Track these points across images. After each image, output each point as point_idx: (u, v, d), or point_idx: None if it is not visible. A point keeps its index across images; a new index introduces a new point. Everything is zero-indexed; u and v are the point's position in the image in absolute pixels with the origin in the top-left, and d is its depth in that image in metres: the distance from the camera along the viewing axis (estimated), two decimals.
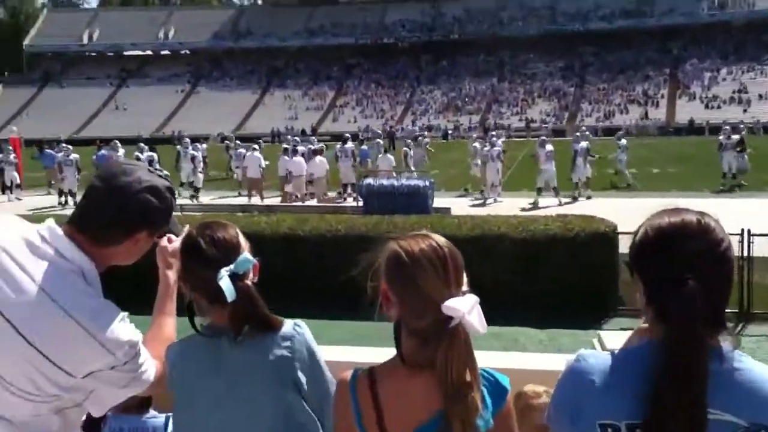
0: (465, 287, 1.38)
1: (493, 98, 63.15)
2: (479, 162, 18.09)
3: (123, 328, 1.47)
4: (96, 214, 1.53)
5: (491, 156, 17.07)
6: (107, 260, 1.56)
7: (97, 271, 1.52)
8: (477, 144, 19.94)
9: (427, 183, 12.66)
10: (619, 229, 7.87)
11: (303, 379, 1.59)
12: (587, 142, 17.90)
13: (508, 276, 7.33)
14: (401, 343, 1.38)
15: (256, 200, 17.26)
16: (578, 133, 19.48)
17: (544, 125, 51.75)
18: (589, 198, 16.79)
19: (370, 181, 12.47)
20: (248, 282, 1.56)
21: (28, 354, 1.39)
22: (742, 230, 7.54)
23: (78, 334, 1.40)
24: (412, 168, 18.66)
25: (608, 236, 7.89)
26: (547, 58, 67.80)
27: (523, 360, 3.16)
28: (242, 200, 17.77)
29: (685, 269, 1.16)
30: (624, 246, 8.28)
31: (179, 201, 16.49)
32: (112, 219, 1.52)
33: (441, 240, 1.40)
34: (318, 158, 17.20)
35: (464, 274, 1.39)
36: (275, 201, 17.14)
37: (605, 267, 7.70)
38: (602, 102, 59.08)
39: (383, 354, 1.47)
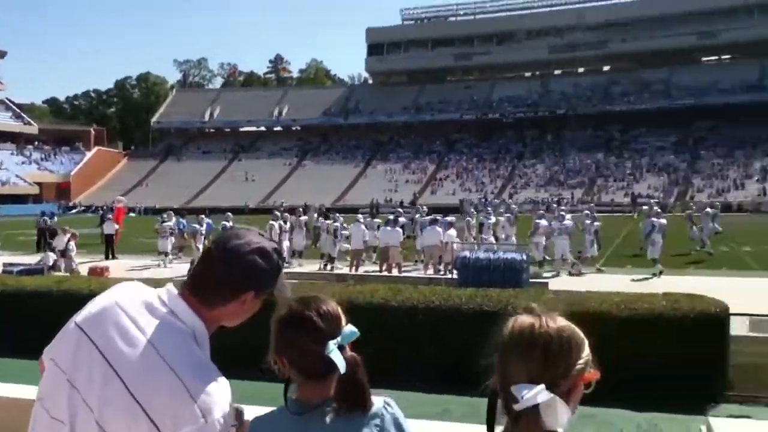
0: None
1: (597, 172, 61.80)
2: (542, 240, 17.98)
3: (221, 393, 1.46)
4: (207, 276, 1.57)
5: (588, 230, 17.00)
6: (216, 321, 1.58)
7: (207, 334, 1.56)
8: (543, 221, 18.98)
9: (524, 256, 12.42)
10: (732, 310, 7.35)
11: None
12: (661, 219, 17.33)
13: (607, 354, 6.96)
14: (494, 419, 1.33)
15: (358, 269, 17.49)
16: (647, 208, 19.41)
17: (651, 200, 49.76)
18: (661, 272, 15.89)
19: (465, 253, 12.38)
20: (353, 354, 1.55)
21: (129, 406, 1.41)
22: None
23: (177, 390, 1.41)
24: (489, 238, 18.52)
25: (719, 317, 7.38)
26: (658, 132, 65.96)
27: None
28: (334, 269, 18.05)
29: None
30: (735, 328, 7.73)
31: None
32: (220, 279, 1.55)
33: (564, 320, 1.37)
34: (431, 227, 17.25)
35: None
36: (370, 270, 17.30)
37: (714, 349, 7.16)
38: (716, 177, 56.38)
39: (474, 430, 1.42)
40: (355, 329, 1.57)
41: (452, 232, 16.92)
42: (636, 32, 71.65)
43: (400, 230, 17.68)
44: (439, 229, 16.61)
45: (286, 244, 18.96)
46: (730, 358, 7.01)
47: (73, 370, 1.47)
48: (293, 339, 1.56)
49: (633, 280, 14.89)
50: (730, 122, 63.12)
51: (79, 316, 1.53)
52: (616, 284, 11.78)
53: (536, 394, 1.24)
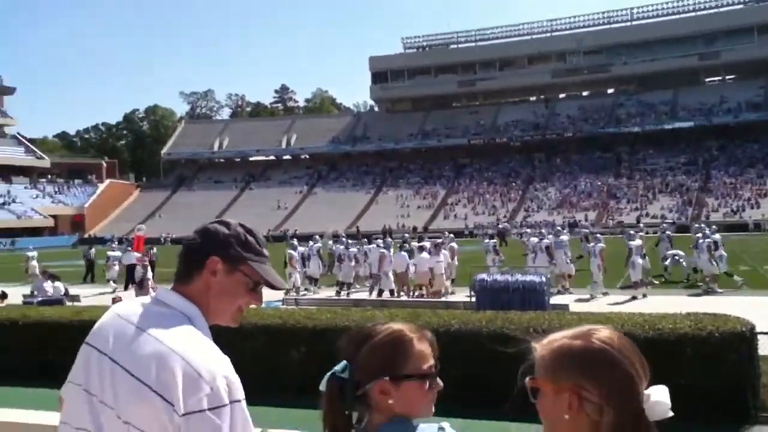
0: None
1: (609, 194, 61.67)
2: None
3: (219, 362, 1.48)
4: (180, 259, 1.68)
5: (593, 252, 16.95)
6: (204, 301, 1.61)
7: (201, 316, 1.60)
8: (534, 238, 20.50)
9: (544, 279, 12.31)
10: (758, 329, 7.22)
11: None
12: (640, 241, 17.52)
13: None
14: None
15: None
16: (632, 231, 19.86)
17: (665, 221, 49.55)
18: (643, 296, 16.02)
19: (483, 276, 12.30)
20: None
21: (136, 388, 1.44)
22: None
23: (170, 360, 1.44)
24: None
25: (745, 336, 7.24)
26: (667, 153, 65.90)
27: None
28: (361, 295, 17.95)
29: None
30: (764, 347, 7.60)
31: (295, 296, 17.00)
32: (186, 251, 1.66)
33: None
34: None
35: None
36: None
37: (743, 369, 7.02)
38: (730, 197, 56.09)
39: None
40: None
41: (440, 257, 16.88)
42: (637, 55, 72.02)
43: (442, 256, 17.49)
44: (426, 255, 16.59)
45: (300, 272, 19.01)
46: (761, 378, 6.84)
47: (87, 380, 1.54)
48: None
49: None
50: (739, 141, 63.02)
51: (88, 336, 1.62)
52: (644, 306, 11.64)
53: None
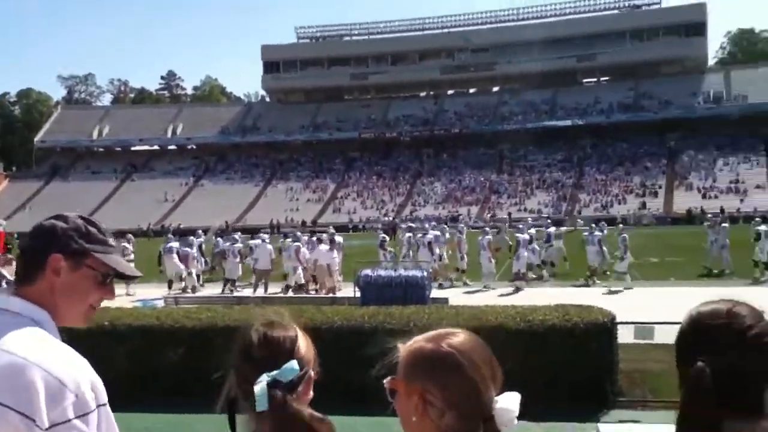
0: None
1: (491, 189, 64.12)
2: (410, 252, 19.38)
3: (77, 366, 1.41)
4: (20, 260, 1.59)
5: (482, 245, 17.66)
6: (50, 303, 1.52)
7: (50, 319, 1.51)
8: (409, 234, 21.15)
9: (425, 273, 12.65)
10: (619, 319, 7.80)
11: None
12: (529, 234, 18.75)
13: (505, 367, 7.21)
14: None
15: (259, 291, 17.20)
16: (522, 225, 20.68)
17: (542, 216, 52.19)
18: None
19: (367, 272, 12.48)
20: (292, 395, 1.32)
21: None
22: None
23: (25, 371, 1.35)
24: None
25: (606, 326, 7.81)
26: (546, 150, 69.31)
27: None
28: (246, 291, 17.68)
29: (706, 354, 1.22)
30: (623, 336, 8.22)
31: (174, 294, 16.51)
32: (26, 250, 1.56)
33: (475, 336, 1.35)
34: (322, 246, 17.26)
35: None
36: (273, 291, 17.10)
37: (604, 357, 7.57)
38: (600, 193, 59.86)
39: None
40: (296, 366, 1.35)
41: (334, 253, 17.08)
42: (521, 55, 75.25)
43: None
44: (326, 248, 16.71)
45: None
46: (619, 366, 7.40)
47: None
48: (239, 365, 1.39)
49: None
50: (611, 140, 67.34)
51: None
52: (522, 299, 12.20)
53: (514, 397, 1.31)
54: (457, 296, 14.63)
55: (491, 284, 17.47)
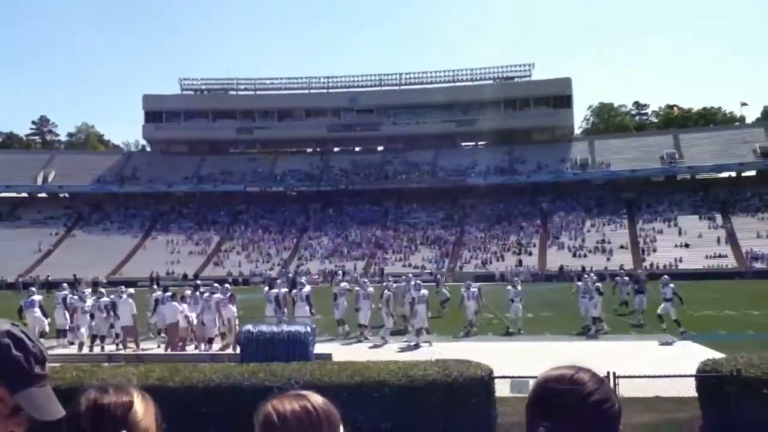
0: None
1: (378, 244, 64.97)
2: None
3: None
4: None
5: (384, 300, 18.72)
6: None
7: None
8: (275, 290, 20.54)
9: (309, 329, 12.50)
10: (497, 373, 8.01)
11: None
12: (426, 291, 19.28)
13: (388, 423, 7.21)
14: None
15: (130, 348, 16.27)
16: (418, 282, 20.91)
17: (424, 271, 53.35)
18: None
19: (248, 327, 12.17)
20: None
21: None
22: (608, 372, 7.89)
23: None
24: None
25: (484, 380, 8.00)
26: (429, 209, 71.41)
27: None
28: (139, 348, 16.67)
29: (549, 418, 1.27)
30: (499, 390, 8.43)
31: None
32: None
33: (318, 400, 1.31)
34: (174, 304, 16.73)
35: None
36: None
37: (482, 411, 7.73)
38: (480, 250, 62.18)
39: None
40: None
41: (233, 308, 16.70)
42: (404, 117, 78.02)
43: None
44: (175, 304, 16.34)
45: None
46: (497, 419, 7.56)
47: None
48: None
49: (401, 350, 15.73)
50: (488, 200, 70.52)
51: None
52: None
53: None
54: (339, 351, 14.54)
55: (387, 338, 17.89)
